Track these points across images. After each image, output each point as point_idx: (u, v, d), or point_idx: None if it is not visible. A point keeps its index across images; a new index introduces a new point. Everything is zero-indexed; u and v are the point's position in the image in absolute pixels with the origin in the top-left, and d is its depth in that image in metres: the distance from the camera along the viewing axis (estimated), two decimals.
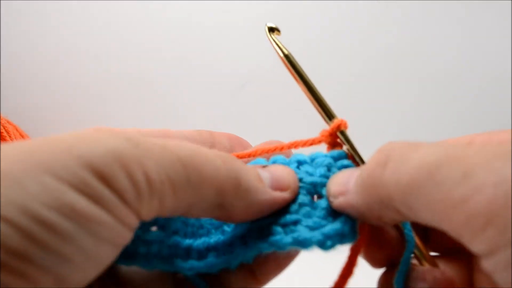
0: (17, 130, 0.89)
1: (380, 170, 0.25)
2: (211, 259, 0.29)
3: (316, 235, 0.28)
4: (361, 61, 0.95)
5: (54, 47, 0.97)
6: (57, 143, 0.22)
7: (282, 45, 0.34)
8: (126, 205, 0.23)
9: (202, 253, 0.30)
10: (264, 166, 0.30)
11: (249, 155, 0.34)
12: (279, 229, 0.29)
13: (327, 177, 0.30)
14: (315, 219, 0.29)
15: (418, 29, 0.94)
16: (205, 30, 0.96)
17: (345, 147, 0.32)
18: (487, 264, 0.21)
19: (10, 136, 0.82)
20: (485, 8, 0.91)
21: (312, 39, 0.94)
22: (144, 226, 0.29)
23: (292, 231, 0.28)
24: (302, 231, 0.28)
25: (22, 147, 0.22)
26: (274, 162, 0.32)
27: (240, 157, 0.34)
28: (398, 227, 0.32)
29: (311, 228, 0.28)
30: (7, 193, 0.20)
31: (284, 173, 0.30)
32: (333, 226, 0.28)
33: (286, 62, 0.33)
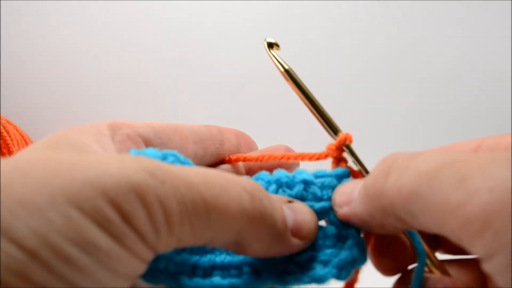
0: (17, 130, 0.89)
1: (383, 179, 0.26)
2: (216, 279, 0.29)
3: (331, 270, 0.28)
4: (360, 62, 0.95)
5: (54, 47, 0.97)
6: (82, 171, 0.22)
7: (282, 60, 0.34)
8: (144, 242, 0.22)
9: (207, 271, 0.29)
10: (290, 201, 0.29)
11: (256, 159, 0.34)
12: (294, 268, 0.29)
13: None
14: (327, 250, 0.29)
15: (418, 29, 0.94)
16: (205, 30, 0.96)
17: (350, 161, 0.33)
18: (487, 267, 0.22)
19: (10, 136, 0.82)
20: (485, 8, 0.91)
21: (312, 39, 0.94)
22: None
23: (308, 269, 0.29)
24: (317, 269, 0.28)
25: (46, 169, 0.22)
26: (278, 179, 0.31)
27: (248, 160, 0.34)
28: (406, 235, 0.31)
29: (325, 263, 0.29)
30: (31, 224, 0.20)
31: (307, 218, 0.29)
32: (343, 256, 0.29)
33: (287, 77, 0.34)
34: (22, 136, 0.89)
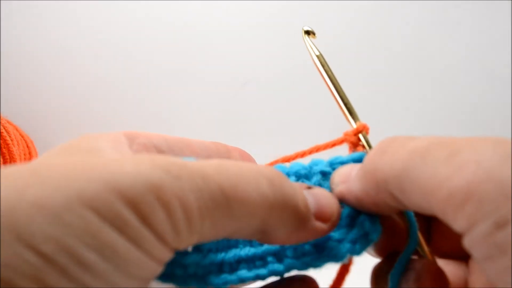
0: (17, 130, 0.89)
1: (379, 156, 0.27)
2: (243, 271, 0.29)
3: (345, 245, 0.29)
4: (360, 62, 0.95)
5: (54, 47, 0.97)
6: (98, 172, 0.21)
7: (316, 47, 0.37)
8: (163, 243, 0.22)
9: (233, 266, 0.30)
10: (309, 187, 0.29)
11: (282, 161, 0.35)
12: (310, 249, 0.29)
13: None
14: (341, 229, 0.30)
15: (418, 29, 0.94)
16: (206, 29, 0.96)
17: (367, 149, 0.34)
18: (467, 241, 0.22)
19: (10, 136, 0.82)
20: (485, 8, 0.91)
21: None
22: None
23: (324, 249, 0.29)
24: (334, 248, 0.29)
25: (61, 172, 0.21)
26: (297, 171, 0.32)
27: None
28: (402, 217, 0.32)
29: (339, 241, 0.30)
30: (47, 228, 0.19)
31: (328, 201, 0.28)
32: (356, 230, 0.30)
33: (317, 63, 0.36)
34: (22, 136, 0.89)
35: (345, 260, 0.30)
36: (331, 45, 0.94)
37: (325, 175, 0.32)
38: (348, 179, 0.30)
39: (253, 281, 0.30)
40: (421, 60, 0.95)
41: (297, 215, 0.26)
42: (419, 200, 0.24)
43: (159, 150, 0.31)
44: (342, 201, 0.30)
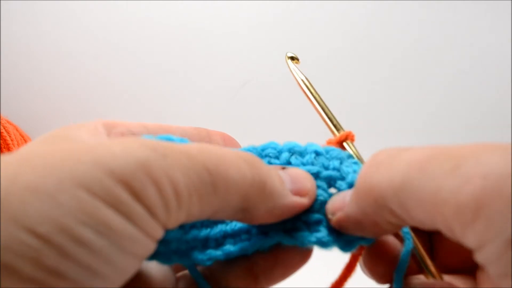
0: (17, 130, 0.89)
1: (373, 171, 0.26)
2: (228, 246, 0.30)
3: (338, 239, 0.29)
4: (359, 62, 0.95)
5: (54, 48, 0.97)
6: (87, 154, 0.22)
7: (300, 71, 0.38)
8: (155, 219, 0.23)
9: (219, 241, 0.30)
10: (283, 168, 0.30)
11: None
12: (302, 225, 0.30)
13: (339, 170, 0.32)
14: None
15: (418, 29, 0.94)
16: (205, 31, 0.96)
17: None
18: (480, 258, 0.21)
19: (10, 136, 0.82)
20: (486, 8, 0.91)
21: (313, 39, 0.94)
22: None
23: (316, 231, 0.29)
24: (324, 233, 0.29)
25: (50, 157, 0.22)
26: (291, 148, 0.33)
27: None
28: (399, 236, 0.32)
29: (332, 230, 0.30)
30: (42, 209, 0.20)
31: (303, 177, 0.29)
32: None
33: (303, 86, 0.37)
34: (22, 136, 0.89)
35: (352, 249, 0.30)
36: (330, 48, 0.94)
37: (318, 154, 0.33)
38: (343, 205, 0.29)
39: (236, 255, 0.30)
40: (421, 61, 0.95)
41: (274, 192, 0.27)
42: (422, 215, 0.23)
43: None
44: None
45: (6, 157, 0.22)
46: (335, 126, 0.35)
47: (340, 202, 0.29)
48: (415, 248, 0.31)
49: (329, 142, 0.34)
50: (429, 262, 0.31)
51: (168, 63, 0.97)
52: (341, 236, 0.30)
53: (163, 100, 1.00)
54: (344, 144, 0.34)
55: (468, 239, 0.21)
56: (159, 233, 0.23)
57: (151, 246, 0.23)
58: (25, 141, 0.89)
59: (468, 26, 0.93)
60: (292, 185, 0.28)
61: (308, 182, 0.29)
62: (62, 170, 0.21)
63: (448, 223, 0.22)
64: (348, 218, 0.28)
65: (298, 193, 0.29)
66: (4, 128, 0.81)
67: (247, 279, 0.31)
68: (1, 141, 0.79)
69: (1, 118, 0.82)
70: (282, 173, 0.29)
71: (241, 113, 0.99)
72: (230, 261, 0.32)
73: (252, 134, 0.96)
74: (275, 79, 0.96)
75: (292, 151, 0.33)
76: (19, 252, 0.19)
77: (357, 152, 0.34)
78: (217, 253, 0.30)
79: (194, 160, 0.24)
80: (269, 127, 0.98)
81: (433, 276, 0.31)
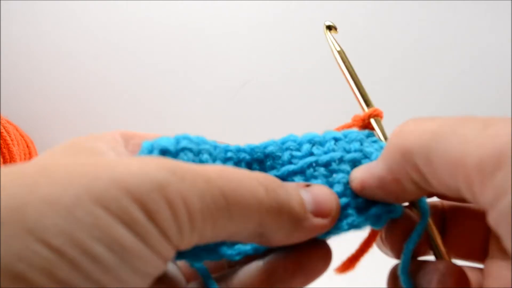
0: (17, 130, 0.89)
1: (406, 128, 0.26)
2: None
3: (368, 217, 0.29)
4: (359, 62, 0.95)
5: (54, 48, 0.97)
6: (105, 171, 0.22)
7: (337, 42, 0.37)
8: (167, 241, 0.23)
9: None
10: (307, 185, 0.29)
11: None
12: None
13: (361, 151, 0.32)
14: (361, 198, 0.30)
15: (419, 29, 0.94)
16: (206, 30, 0.96)
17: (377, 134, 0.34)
18: (492, 216, 0.21)
19: (10, 136, 0.82)
20: (486, 8, 0.91)
21: (313, 40, 0.94)
22: None
23: (346, 216, 0.29)
24: (354, 216, 0.29)
25: (69, 171, 0.22)
26: (311, 139, 0.33)
27: None
28: (416, 209, 0.32)
29: (360, 209, 0.30)
30: (58, 222, 0.20)
31: (326, 197, 0.29)
32: (378, 205, 0.30)
33: (338, 59, 0.37)
34: (22, 136, 0.89)
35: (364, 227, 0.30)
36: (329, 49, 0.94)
37: (337, 140, 0.33)
38: (368, 169, 0.29)
39: (265, 249, 0.30)
40: (420, 61, 0.95)
41: (293, 216, 0.26)
42: (446, 172, 0.23)
43: None
44: (362, 192, 0.29)
45: (25, 166, 0.22)
46: (365, 101, 0.34)
47: (365, 167, 0.29)
48: (428, 226, 0.31)
49: (355, 118, 0.34)
50: (439, 241, 0.31)
51: (168, 63, 0.97)
52: (369, 211, 0.29)
53: (163, 100, 1.00)
54: (372, 120, 0.33)
55: (486, 195, 0.21)
56: (170, 254, 0.24)
57: (161, 267, 0.23)
58: (25, 141, 0.89)
59: (468, 26, 0.93)
60: (314, 206, 0.28)
61: (332, 202, 0.29)
62: (80, 185, 0.21)
63: (469, 177, 0.22)
64: (372, 175, 0.28)
65: (319, 214, 0.28)
66: (4, 128, 0.81)
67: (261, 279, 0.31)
68: (1, 141, 0.79)
69: (1, 118, 0.82)
70: (304, 192, 0.28)
71: (241, 113, 0.99)
72: (246, 270, 0.31)
73: (252, 134, 0.96)
74: (275, 79, 0.96)
75: (312, 142, 0.33)
76: (32, 262, 0.19)
77: (383, 129, 0.33)
78: (246, 248, 0.29)
79: (212, 184, 0.24)
80: (269, 127, 0.98)
81: (442, 257, 0.31)
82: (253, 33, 0.95)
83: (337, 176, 0.31)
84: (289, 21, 0.94)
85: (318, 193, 0.29)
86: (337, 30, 0.38)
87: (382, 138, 0.33)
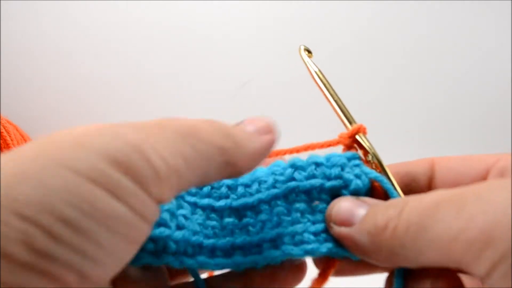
0: (17, 130, 0.89)
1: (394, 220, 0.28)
2: (238, 257, 0.30)
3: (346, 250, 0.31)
4: (358, 62, 0.95)
5: (54, 47, 0.97)
6: (71, 138, 0.22)
7: (313, 63, 0.39)
8: (147, 193, 0.22)
9: (228, 251, 0.31)
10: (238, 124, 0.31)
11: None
12: (312, 237, 0.31)
13: (341, 177, 0.33)
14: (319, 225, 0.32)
15: (419, 29, 0.94)
16: (206, 30, 0.96)
17: (359, 152, 0.35)
18: (488, 283, 0.23)
19: (10, 136, 0.82)
20: (486, 8, 0.91)
21: (313, 40, 0.94)
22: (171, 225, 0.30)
23: (326, 240, 0.31)
24: (334, 241, 0.31)
25: (35, 145, 0.22)
26: (293, 164, 0.34)
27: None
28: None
29: (315, 234, 0.31)
30: (29, 192, 0.20)
31: (257, 118, 0.31)
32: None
33: (316, 79, 0.38)
34: (22, 136, 0.89)
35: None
36: (330, 48, 0.94)
37: (318, 165, 0.34)
38: (350, 222, 0.30)
39: (246, 267, 0.31)
40: (420, 61, 0.95)
41: (244, 138, 0.28)
42: (436, 255, 0.25)
43: None
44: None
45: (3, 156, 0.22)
46: (347, 119, 0.35)
47: (347, 215, 0.30)
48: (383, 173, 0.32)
49: (342, 136, 0.35)
50: (397, 187, 0.32)
51: (168, 63, 0.97)
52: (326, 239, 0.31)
53: (163, 100, 1.00)
54: (357, 136, 0.34)
55: (480, 268, 0.24)
56: (153, 212, 0.23)
57: (145, 229, 0.23)
58: (25, 141, 0.89)
59: (468, 26, 0.93)
60: (253, 127, 0.30)
61: (263, 120, 0.31)
62: (47, 153, 0.21)
63: (461, 258, 0.24)
64: (355, 244, 0.29)
65: (263, 132, 0.30)
66: (4, 128, 0.81)
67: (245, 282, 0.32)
68: (1, 141, 0.79)
69: (1, 118, 0.82)
70: (238, 124, 0.30)
71: (241, 113, 0.99)
72: (227, 277, 0.33)
73: None
74: (275, 79, 0.96)
75: (294, 167, 0.34)
76: (8, 236, 0.19)
77: (370, 144, 0.34)
78: (227, 261, 0.30)
79: (168, 129, 0.25)
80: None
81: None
82: (253, 33, 0.95)
83: (319, 205, 0.32)
84: (289, 21, 0.94)
85: (249, 120, 0.31)
86: (312, 54, 0.40)
87: (370, 151, 0.34)
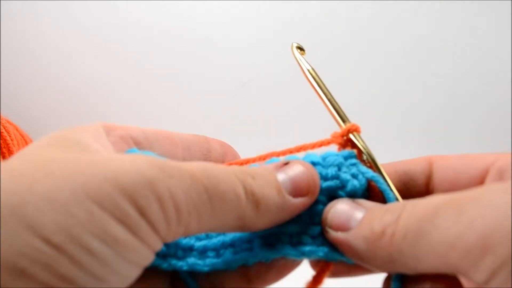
0: (17, 130, 0.89)
1: (391, 228, 0.27)
2: (228, 255, 0.31)
3: (322, 249, 0.30)
4: (358, 62, 0.95)
5: (54, 47, 0.97)
6: (98, 168, 0.23)
7: (306, 61, 0.38)
8: (156, 234, 0.24)
9: (218, 250, 0.31)
10: (285, 164, 0.30)
11: (259, 159, 0.35)
12: (309, 239, 0.30)
13: (338, 178, 0.32)
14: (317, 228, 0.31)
15: (419, 29, 0.94)
16: (206, 30, 0.96)
17: (355, 150, 0.34)
18: None
19: (10, 136, 0.82)
20: (486, 8, 0.91)
21: (313, 40, 0.94)
22: None
23: (323, 244, 0.30)
24: (330, 245, 0.30)
25: (64, 167, 0.23)
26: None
27: (251, 162, 0.36)
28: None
29: (313, 237, 0.30)
30: (57, 219, 0.21)
31: (303, 176, 0.29)
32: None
33: (309, 77, 0.37)
34: (22, 136, 0.89)
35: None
36: (328, 50, 0.94)
37: (314, 165, 0.32)
38: (347, 227, 0.29)
39: (237, 264, 0.31)
40: (420, 61, 0.95)
41: (269, 206, 0.28)
42: (434, 262, 0.25)
43: (136, 142, 0.33)
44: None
45: (20, 162, 0.24)
46: (341, 117, 0.34)
47: (343, 219, 0.30)
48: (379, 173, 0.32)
49: (334, 135, 0.34)
50: (393, 187, 0.32)
51: (168, 63, 0.97)
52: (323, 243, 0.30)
53: (163, 100, 1.00)
54: (351, 135, 0.33)
55: (479, 275, 0.23)
56: (159, 246, 0.25)
57: (150, 257, 0.25)
58: (25, 141, 0.89)
59: (468, 26, 0.93)
60: (292, 187, 0.29)
61: (309, 179, 0.29)
62: (76, 183, 0.22)
63: (459, 264, 0.24)
64: (352, 250, 0.29)
65: (298, 193, 0.29)
66: (4, 128, 0.81)
67: (241, 281, 0.32)
68: (1, 141, 0.79)
69: (1, 118, 0.82)
70: (281, 176, 0.29)
71: (241, 113, 0.99)
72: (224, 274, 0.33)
73: (252, 134, 0.96)
74: (275, 79, 0.96)
75: None
76: (34, 258, 0.20)
77: (364, 143, 0.33)
78: (218, 261, 0.30)
79: (196, 180, 0.25)
80: (269, 127, 0.98)
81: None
82: (253, 33, 0.95)
83: (316, 206, 0.31)
84: (289, 21, 0.94)
85: (295, 173, 0.29)
86: (305, 51, 0.39)
87: (364, 151, 0.33)
